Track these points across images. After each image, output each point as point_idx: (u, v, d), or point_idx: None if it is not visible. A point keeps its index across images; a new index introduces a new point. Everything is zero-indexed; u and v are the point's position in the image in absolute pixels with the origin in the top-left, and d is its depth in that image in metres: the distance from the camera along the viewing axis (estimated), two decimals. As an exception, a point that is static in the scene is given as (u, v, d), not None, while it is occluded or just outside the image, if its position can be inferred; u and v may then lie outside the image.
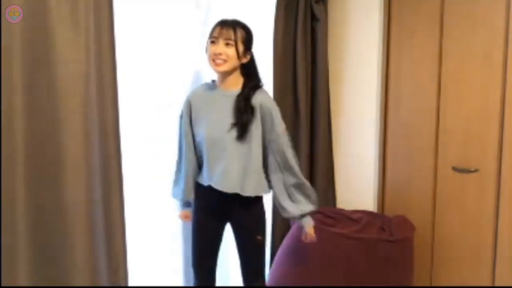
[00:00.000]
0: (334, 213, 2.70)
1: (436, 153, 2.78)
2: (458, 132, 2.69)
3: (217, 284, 2.33)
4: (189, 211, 2.29)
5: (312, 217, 2.21)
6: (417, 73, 2.83)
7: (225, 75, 2.08)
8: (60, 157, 1.77)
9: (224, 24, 2.03)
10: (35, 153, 1.73)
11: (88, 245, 1.85)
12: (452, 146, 2.72)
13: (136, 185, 2.18)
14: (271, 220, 2.84)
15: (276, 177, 2.14)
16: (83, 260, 1.83)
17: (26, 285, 1.74)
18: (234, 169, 2.05)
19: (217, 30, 2.03)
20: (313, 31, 2.94)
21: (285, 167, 2.12)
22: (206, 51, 2.08)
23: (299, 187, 2.15)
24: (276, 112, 2.10)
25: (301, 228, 2.24)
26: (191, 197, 2.23)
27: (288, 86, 2.83)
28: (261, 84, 2.16)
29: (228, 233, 2.26)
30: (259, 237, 2.16)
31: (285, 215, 2.19)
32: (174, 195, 2.29)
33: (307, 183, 2.17)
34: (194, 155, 2.20)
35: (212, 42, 2.04)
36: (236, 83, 2.10)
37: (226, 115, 2.06)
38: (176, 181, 2.28)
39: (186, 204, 2.30)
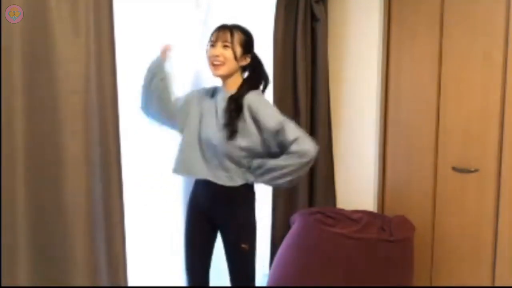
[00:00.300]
0: (334, 213, 2.70)
1: (436, 153, 2.78)
2: (458, 132, 2.69)
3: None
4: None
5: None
6: (417, 73, 2.83)
7: (224, 78, 2.10)
8: (60, 157, 1.76)
9: (222, 28, 2.07)
10: (35, 153, 1.73)
11: (88, 245, 1.84)
12: (452, 146, 2.72)
13: (136, 185, 2.18)
14: (271, 220, 2.84)
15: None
16: (83, 260, 1.83)
17: (26, 285, 1.73)
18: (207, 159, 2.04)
19: (216, 34, 2.07)
20: (313, 31, 2.94)
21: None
22: (207, 57, 2.09)
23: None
24: (263, 111, 2.03)
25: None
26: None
27: (288, 86, 2.84)
28: (262, 86, 2.15)
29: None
30: (243, 245, 2.08)
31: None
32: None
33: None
34: (169, 104, 2.14)
35: (211, 46, 2.07)
36: (236, 86, 2.10)
37: (216, 116, 2.07)
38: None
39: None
